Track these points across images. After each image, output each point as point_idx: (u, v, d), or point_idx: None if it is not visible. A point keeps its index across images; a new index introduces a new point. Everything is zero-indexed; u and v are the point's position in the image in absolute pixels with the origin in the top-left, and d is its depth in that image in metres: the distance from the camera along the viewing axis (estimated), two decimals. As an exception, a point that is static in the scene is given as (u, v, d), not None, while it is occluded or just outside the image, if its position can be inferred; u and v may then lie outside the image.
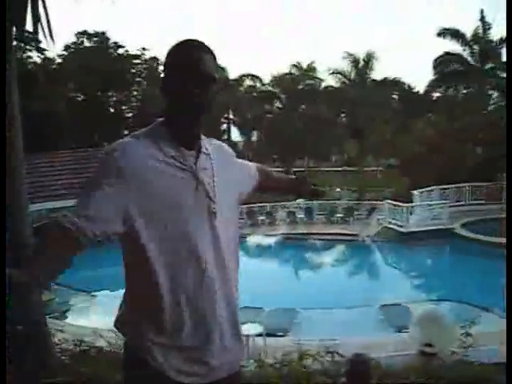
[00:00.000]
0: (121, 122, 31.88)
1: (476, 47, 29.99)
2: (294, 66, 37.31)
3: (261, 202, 22.20)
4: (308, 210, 23.22)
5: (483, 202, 21.37)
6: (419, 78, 66.08)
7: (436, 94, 35.52)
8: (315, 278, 16.51)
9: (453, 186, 21.13)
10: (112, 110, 32.21)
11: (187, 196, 1.61)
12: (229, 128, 41.08)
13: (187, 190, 1.62)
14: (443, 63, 31.10)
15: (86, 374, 3.38)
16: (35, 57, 26.91)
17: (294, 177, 2.44)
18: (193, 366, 1.63)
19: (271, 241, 19.95)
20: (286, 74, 37.39)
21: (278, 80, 37.57)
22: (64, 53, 30.38)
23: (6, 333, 2.78)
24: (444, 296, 12.62)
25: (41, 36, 3.39)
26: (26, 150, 3.76)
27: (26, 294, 3.15)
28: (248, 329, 7.59)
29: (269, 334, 8.69)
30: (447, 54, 30.76)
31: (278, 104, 38.33)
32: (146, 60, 33.00)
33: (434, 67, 31.42)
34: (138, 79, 32.97)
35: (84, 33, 31.01)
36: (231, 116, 40.38)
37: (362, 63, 35.34)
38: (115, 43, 31.13)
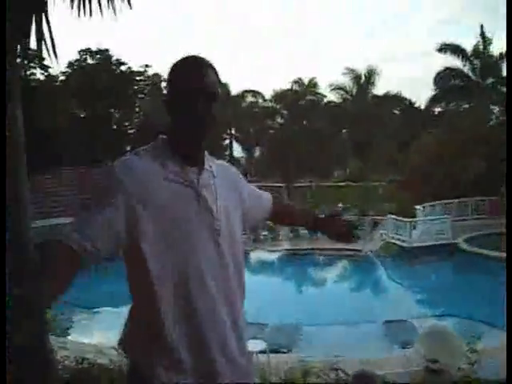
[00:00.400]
0: (123, 138, 32.02)
1: (476, 62, 30.15)
2: (296, 81, 37.53)
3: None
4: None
5: (486, 216, 21.33)
6: (420, 93, 66.36)
7: (437, 109, 35.66)
8: (318, 294, 16.42)
9: (456, 200, 21.09)
10: (114, 127, 32.36)
11: (189, 212, 1.60)
12: (231, 144, 41.22)
13: (189, 206, 1.60)
14: (444, 78, 31.25)
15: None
16: (38, 74, 27.14)
17: (322, 216, 2.32)
18: None
19: (274, 256, 19.89)
20: (288, 89, 37.59)
21: (279, 96, 37.75)
22: (67, 70, 30.64)
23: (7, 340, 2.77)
24: (448, 311, 12.54)
25: (44, 53, 3.42)
26: (28, 166, 3.76)
27: (28, 311, 3.14)
28: (251, 345, 7.52)
29: (272, 351, 8.62)
30: (448, 69, 30.92)
31: (279, 120, 38.47)
32: (148, 76, 33.25)
33: (435, 82, 31.57)
34: (140, 96, 33.18)
35: (87, 50, 31.28)
36: (233, 132, 40.54)
37: (363, 79, 35.52)
38: (117, 60, 31.39)
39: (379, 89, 36.40)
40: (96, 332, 11.06)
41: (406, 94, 38.79)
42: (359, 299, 15.60)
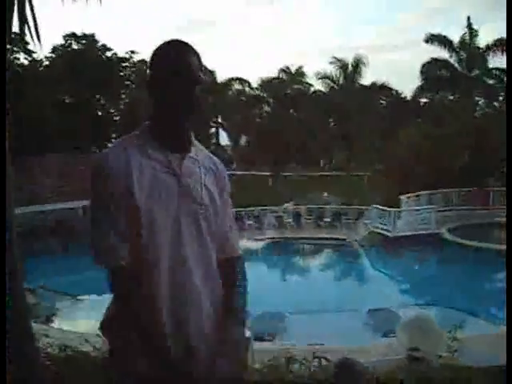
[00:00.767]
0: (109, 125, 31.72)
1: (463, 54, 30.29)
2: (283, 70, 37.45)
3: (249, 207, 22.18)
4: (296, 214, 23.24)
5: (470, 207, 21.54)
6: (406, 83, 66.58)
7: (423, 100, 35.82)
8: (303, 283, 16.51)
9: (440, 191, 21.27)
10: (100, 113, 32.04)
11: (171, 199, 1.60)
12: (217, 132, 41.11)
13: (171, 193, 1.60)
14: (430, 69, 31.37)
15: (71, 379, 3.34)
16: (22, 58, 26.73)
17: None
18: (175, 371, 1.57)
19: (259, 245, 19.93)
20: (275, 78, 37.50)
21: (266, 84, 37.67)
22: (52, 55, 30.20)
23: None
24: (431, 300, 12.69)
25: (28, 38, 3.36)
26: (12, 152, 3.71)
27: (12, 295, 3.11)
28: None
29: (256, 339, 8.66)
30: (434, 60, 31.03)
31: (266, 108, 38.42)
32: (134, 63, 32.89)
33: (422, 73, 31.67)
34: (126, 82, 32.85)
35: (72, 35, 30.83)
36: (219, 120, 40.39)
37: (350, 68, 35.52)
38: (103, 46, 31.00)
39: (366, 78, 36.52)
40: (80, 319, 11.03)
41: (393, 84, 38.91)
42: (343, 288, 15.71)
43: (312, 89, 38.21)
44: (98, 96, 31.54)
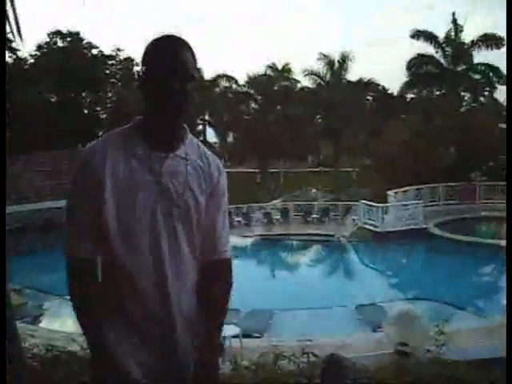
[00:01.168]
0: (95, 122, 31.55)
1: (448, 49, 30.44)
2: (270, 67, 37.41)
3: (237, 204, 22.18)
4: (284, 210, 23.27)
5: (457, 201, 21.69)
6: (393, 79, 66.75)
7: (410, 96, 35.97)
8: (291, 279, 16.54)
9: (427, 186, 21.39)
10: (86, 111, 31.86)
11: (148, 198, 1.57)
12: (204, 129, 40.98)
13: (148, 192, 1.57)
14: (417, 65, 31.49)
15: (57, 380, 3.31)
16: (7, 57, 26.49)
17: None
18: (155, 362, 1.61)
19: (247, 242, 19.93)
20: (262, 74, 37.45)
21: (253, 81, 37.60)
22: (37, 53, 29.95)
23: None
24: (419, 295, 12.76)
25: (10, 35, 3.31)
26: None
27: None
28: (224, 330, 7.53)
29: (245, 336, 8.66)
30: (420, 55, 31.15)
31: (253, 105, 38.37)
32: (120, 60, 32.70)
33: (408, 69, 31.78)
34: (112, 80, 32.66)
35: (57, 33, 30.59)
36: (207, 117, 40.28)
37: (336, 64, 35.58)
38: (89, 43, 30.80)
39: (353, 75, 36.60)
40: (67, 319, 10.96)
41: (380, 81, 39.02)
42: (332, 284, 15.77)
43: (299, 85, 38.23)
44: (84, 94, 31.33)
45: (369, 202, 19.81)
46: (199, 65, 1.68)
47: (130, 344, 1.59)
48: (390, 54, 73.47)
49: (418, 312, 6.17)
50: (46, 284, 13.66)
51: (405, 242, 17.54)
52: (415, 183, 21.12)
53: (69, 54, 28.95)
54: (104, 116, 32.96)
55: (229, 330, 8.01)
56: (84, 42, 30.79)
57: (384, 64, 52.92)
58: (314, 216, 22.64)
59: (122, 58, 32.57)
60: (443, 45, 30.50)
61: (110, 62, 32.20)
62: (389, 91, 38.88)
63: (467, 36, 30.07)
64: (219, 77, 38.78)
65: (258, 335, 9.55)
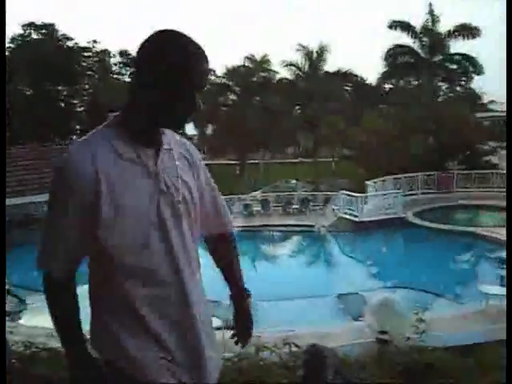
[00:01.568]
0: (72, 116, 31.15)
1: (425, 39, 30.66)
2: (248, 58, 37.24)
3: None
4: (264, 202, 23.28)
5: (434, 190, 21.94)
6: (371, 69, 67.07)
7: (388, 86, 36.19)
8: (272, 270, 16.59)
9: (405, 175, 21.58)
10: (62, 105, 31.41)
11: (150, 198, 1.49)
12: (183, 121, 40.71)
13: (149, 191, 1.49)
14: (394, 55, 31.69)
15: (37, 377, 3.28)
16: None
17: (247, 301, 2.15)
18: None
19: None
20: (240, 66, 37.28)
21: (231, 72, 37.41)
22: (10, 45, 29.39)
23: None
24: (399, 283, 12.90)
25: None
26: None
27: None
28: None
29: (227, 327, 8.66)
30: (398, 46, 31.34)
31: (232, 96, 38.20)
32: (96, 53, 32.25)
33: (385, 59, 31.97)
34: (88, 72, 32.22)
35: (31, 24, 30.04)
36: (185, 109, 40.02)
37: (315, 55, 35.61)
38: (64, 35, 30.30)
39: (331, 65, 36.65)
40: (49, 315, 10.84)
41: (358, 71, 39.11)
42: (312, 274, 15.85)
43: (277, 76, 38.16)
44: (59, 87, 30.88)
45: (348, 192, 19.93)
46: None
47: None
48: (368, 44, 73.67)
49: (398, 300, 6.24)
50: (24, 280, 13.50)
51: (384, 231, 17.72)
52: (393, 173, 21.30)
53: (43, 46, 28.47)
54: (81, 109, 32.54)
55: (210, 322, 8.00)
56: (59, 33, 30.29)
57: (362, 54, 53.09)
58: (294, 207, 22.69)
59: (98, 50, 32.14)
60: (420, 35, 30.71)
61: (86, 54, 31.75)
62: (367, 81, 39.02)
63: (444, 26, 30.35)
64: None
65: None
